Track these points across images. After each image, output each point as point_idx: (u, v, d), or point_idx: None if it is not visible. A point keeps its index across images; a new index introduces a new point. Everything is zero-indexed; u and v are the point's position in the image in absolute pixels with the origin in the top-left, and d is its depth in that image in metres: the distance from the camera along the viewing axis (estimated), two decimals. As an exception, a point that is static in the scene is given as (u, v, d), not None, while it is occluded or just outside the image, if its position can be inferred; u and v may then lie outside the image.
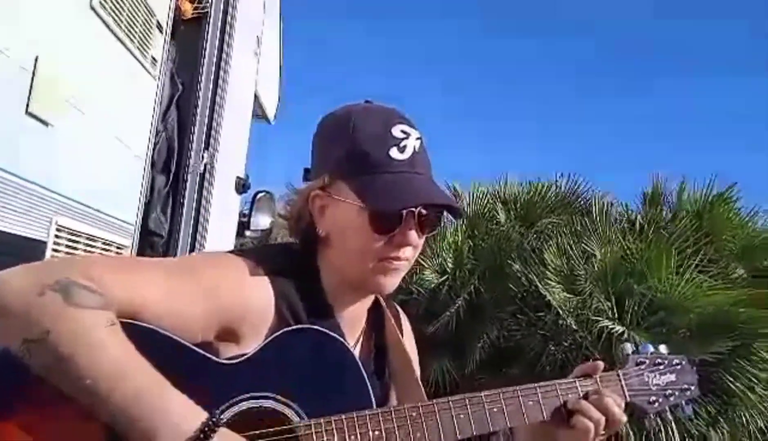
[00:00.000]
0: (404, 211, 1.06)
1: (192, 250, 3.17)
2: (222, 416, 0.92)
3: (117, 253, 2.30)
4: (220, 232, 3.47)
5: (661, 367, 1.27)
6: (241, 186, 3.83)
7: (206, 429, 0.87)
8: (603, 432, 1.17)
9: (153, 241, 3.03)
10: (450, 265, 6.15)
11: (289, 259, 1.13)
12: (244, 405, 0.98)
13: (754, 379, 5.00)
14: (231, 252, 1.14)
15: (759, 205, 6.43)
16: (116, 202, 2.29)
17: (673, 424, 4.70)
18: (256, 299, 1.06)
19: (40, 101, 1.67)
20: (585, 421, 1.16)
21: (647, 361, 1.27)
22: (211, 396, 0.93)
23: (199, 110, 3.26)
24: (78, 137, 1.96)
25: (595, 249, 5.76)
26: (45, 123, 1.75)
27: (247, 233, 4.40)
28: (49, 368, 0.86)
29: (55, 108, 1.76)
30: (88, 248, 2.08)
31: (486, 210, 6.84)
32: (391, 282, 1.12)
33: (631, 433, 4.66)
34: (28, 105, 1.65)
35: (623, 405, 1.21)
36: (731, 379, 5.03)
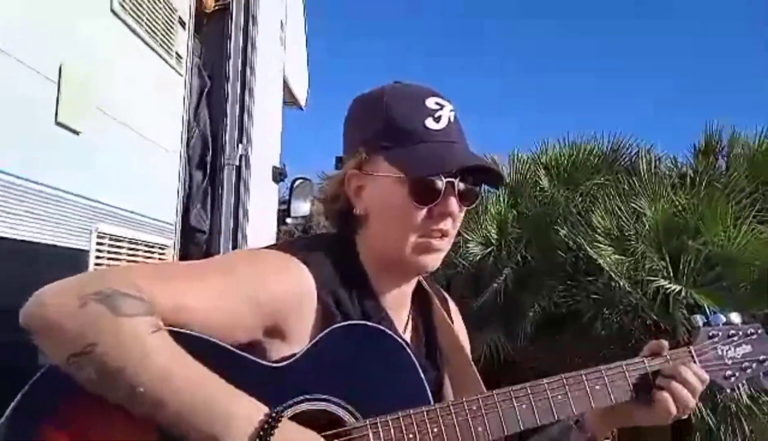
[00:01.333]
0: (444, 181, 1.04)
1: (234, 242, 3.17)
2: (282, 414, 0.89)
3: (160, 254, 2.30)
4: (261, 222, 3.46)
5: (736, 338, 1.21)
6: (278, 175, 3.81)
7: (270, 422, 0.86)
8: (687, 406, 1.12)
9: (196, 238, 3.04)
10: (494, 235, 6.05)
11: (327, 246, 1.10)
12: (298, 408, 0.95)
13: (824, 330, 4.78)
14: (268, 246, 1.11)
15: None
16: (155, 202, 2.29)
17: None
18: (296, 292, 1.03)
19: (68, 110, 1.66)
20: (664, 394, 1.10)
21: (720, 334, 1.20)
22: (263, 401, 0.90)
23: (229, 102, 3.24)
24: (110, 141, 1.96)
25: (644, 207, 5.57)
26: (75, 131, 1.74)
27: (288, 221, 4.39)
28: (99, 381, 0.85)
29: (83, 115, 1.76)
30: (131, 252, 2.08)
31: (528, 177, 6.68)
32: (433, 260, 1.09)
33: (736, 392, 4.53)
34: (56, 115, 1.64)
35: (704, 376, 1.15)
36: (799, 331, 4.83)
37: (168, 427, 0.86)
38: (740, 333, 1.21)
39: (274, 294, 1.01)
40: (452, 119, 1.09)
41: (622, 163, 6.53)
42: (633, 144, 6.60)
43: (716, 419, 4.78)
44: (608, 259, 5.27)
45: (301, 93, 4.76)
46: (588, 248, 5.39)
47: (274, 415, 0.88)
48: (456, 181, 1.05)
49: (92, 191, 1.82)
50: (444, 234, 1.08)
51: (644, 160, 6.28)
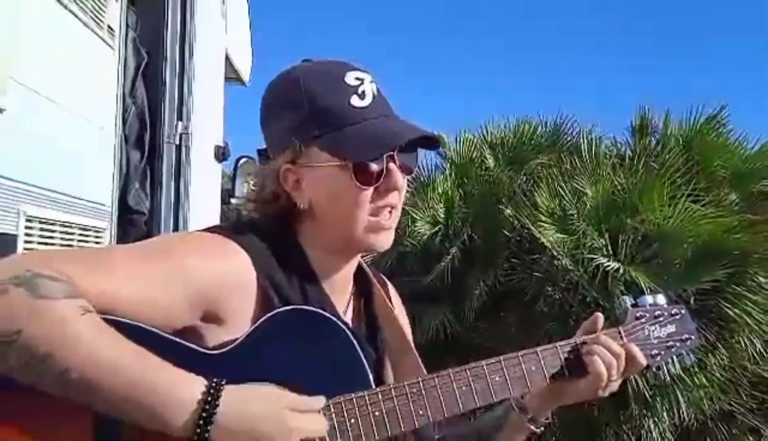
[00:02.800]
0: (385, 158, 1.03)
1: (176, 224, 3.08)
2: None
3: (96, 237, 2.21)
4: (203, 203, 3.38)
5: (661, 318, 1.26)
6: (221, 154, 3.72)
7: (212, 391, 0.85)
8: (615, 378, 1.16)
9: (134, 219, 2.94)
10: (441, 214, 6.10)
11: (265, 230, 1.08)
12: None
13: (751, 304, 5.05)
14: (203, 229, 1.08)
15: (747, 132, 6.38)
16: (89, 183, 2.20)
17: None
18: (234, 276, 1.01)
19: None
20: (598, 364, 1.14)
21: (647, 315, 1.25)
22: None
23: (168, 79, 3.13)
24: (36, 119, 1.86)
25: (585, 187, 5.71)
26: (-1, 108, 1.64)
27: (233, 201, 4.31)
28: (26, 368, 0.81)
29: (5, 91, 1.65)
30: (65, 236, 1.99)
31: (474, 156, 6.75)
32: (386, 238, 1.09)
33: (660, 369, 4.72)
34: (-25, 90, 1.54)
35: (635, 350, 1.19)
36: (729, 305, 5.08)
37: (105, 410, 0.83)
38: (665, 314, 1.27)
39: (211, 279, 0.98)
40: (375, 92, 1.07)
41: (565, 143, 6.66)
42: (575, 124, 6.74)
43: (651, 391, 4.99)
44: (551, 238, 5.39)
45: (244, 68, 4.64)
46: (531, 227, 5.50)
47: (215, 383, 0.86)
48: (395, 155, 1.05)
49: (18, 172, 1.73)
50: (393, 207, 1.08)
51: (585, 141, 6.42)
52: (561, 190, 5.72)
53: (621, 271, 5.12)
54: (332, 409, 0.96)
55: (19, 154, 1.76)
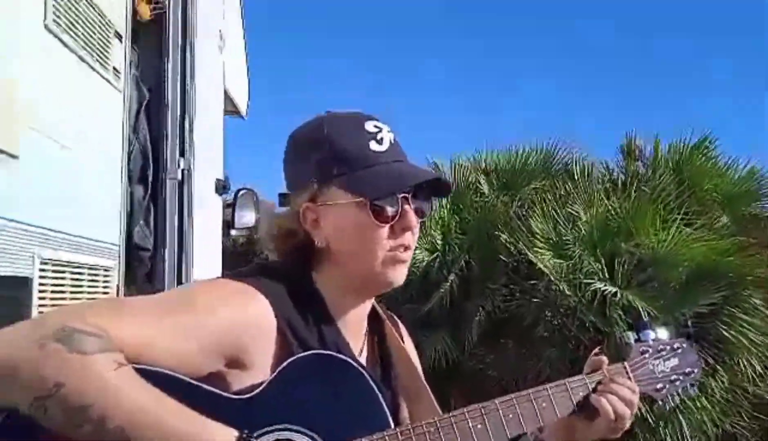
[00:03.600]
0: (401, 198, 1.09)
1: (180, 259, 3.11)
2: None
3: (105, 277, 2.24)
4: (206, 236, 3.41)
5: (664, 352, 1.30)
6: (222, 187, 3.76)
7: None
8: (626, 420, 1.19)
9: (140, 256, 2.96)
10: (439, 241, 6.16)
11: (282, 275, 1.12)
12: (265, 438, 0.96)
13: (746, 326, 5.10)
14: (223, 276, 1.12)
15: (737, 155, 6.49)
16: (97, 223, 2.23)
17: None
18: (256, 323, 1.04)
19: (2, 134, 1.60)
20: (606, 406, 1.17)
21: (650, 350, 1.29)
22: None
23: (169, 114, 3.17)
24: (48, 164, 1.90)
25: (580, 211, 5.79)
26: (11, 155, 1.68)
27: (233, 232, 4.34)
28: (66, 421, 0.84)
29: (18, 138, 1.70)
30: (76, 277, 2.02)
31: (469, 182, 6.83)
32: (401, 273, 1.13)
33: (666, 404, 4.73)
34: (-7, 138, 1.58)
35: (636, 389, 1.23)
36: (725, 327, 5.13)
37: None
38: (668, 348, 1.30)
39: (233, 327, 1.01)
40: (392, 139, 1.13)
41: (557, 168, 6.76)
42: (567, 150, 6.85)
43: (655, 417, 5.01)
44: (547, 263, 5.45)
45: (241, 101, 4.71)
46: (528, 253, 5.55)
47: (245, 436, 0.90)
48: (410, 198, 1.10)
49: (32, 216, 1.76)
50: (407, 247, 1.12)
51: (578, 166, 6.52)
52: (555, 215, 5.80)
53: (618, 295, 5.17)
54: None
55: (32, 199, 1.80)
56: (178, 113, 3.17)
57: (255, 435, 0.95)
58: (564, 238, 5.64)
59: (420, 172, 1.13)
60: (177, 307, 1.01)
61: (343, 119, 1.15)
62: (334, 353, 1.07)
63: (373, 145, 1.10)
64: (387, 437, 1.03)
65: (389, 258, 1.10)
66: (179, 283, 3.13)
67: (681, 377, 1.30)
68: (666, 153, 6.57)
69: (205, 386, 0.96)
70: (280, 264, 1.16)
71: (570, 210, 5.83)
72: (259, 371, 1.02)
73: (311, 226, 1.11)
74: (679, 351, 1.33)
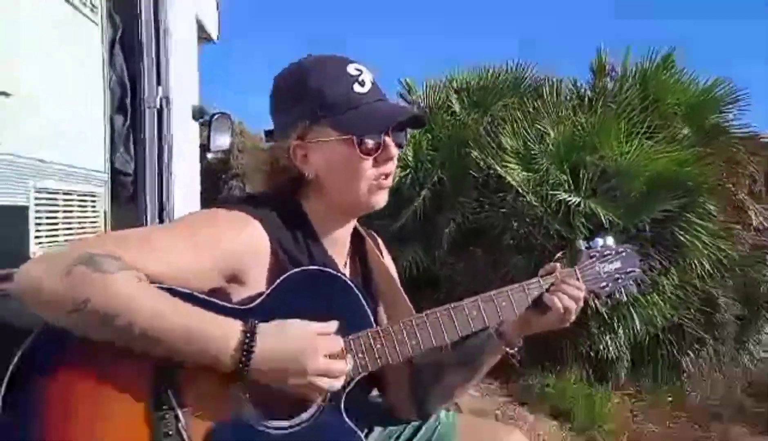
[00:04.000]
0: (382, 135, 1.25)
1: (161, 184, 3.22)
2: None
3: (92, 203, 2.36)
4: (185, 161, 3.51)
5: (609, 256, 1.49)
6: (198, 113, 3.82)
7: (248, 332, 1.07)
8: (573, 313, 1.40)
9: (122, 181, 3.07)
10: (411, 159, 6.30)
11: (273, 202, 1.28)
12: None
13: (700, 230, 5.42)
14: (221, 205, 1.28)
15: (700, 68, 6.63)
16: (84, 153, 2.32)
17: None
18: (252, 244, 1.20)
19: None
20: (557, 303, 1.37)
21: (597, 254, 1.48)
22: None
23: (144, 46, 3.19)
24: (36, 98, 1.97)
25: (548, 128, 5.95)
26: (4, 93, 1.76)
27: (209, 155, 4.42)
28: (98, 329, 1.01)
29: (5, 76, 1.77)
30: (67, 204, 2.15)
31: (440, 101, 6.91)
32: (383, 198, 1.31)
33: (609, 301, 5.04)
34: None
35: (582, 288, 1.43)
36: (681, 232, 5.45)
37: (163, 355, 1.04)
38: (613, 252, 1.51)
39: (233, 248, 1.18)
40: (372, 80, 1.28)
41: (527, 86, 6.85)
42: (537, 68, 6.92)
43: (608, 311, 5.40)
44: (516, 176, 5.65)
45: (212, 27, 4.67)
46: (498, 168, 5.74)
47: (250, 323, 1.08)
48: (390, 131, 1.26)
49: (26, 149, 1.86)
50: (388, 175, 1.29)
51: (547, 83, 6.62)
52: (524, 132, 5.95)
53: (581, 205, 5.42)
54: (345, 347, 1.19)
55: (26, 134, 1.89)
56: (153, 43, 3.19)
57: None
58: (532, 152, 5.83)
59: (399, 111, 1.30)
60: (184, 234, 1.16)
61: (327, 64, 1.28)
62: (323, 268, 1.25)
63: (357, 88, 1.25)
64: (369, 334, 1.23)
65: (373, 186, 1.28)
66: (160, 204, 3.26)
67: (623, 276, 1.51)
68: (633, 69, 6.70)
69: (211, 298, 1.14)
70: (270, 194, 1.31)
71: (539, 126, 5.98)
72: (255, 286, 1.20)
73: (301, 161, 1.27)
74: (623, 254, 1.53)
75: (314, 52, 1.28)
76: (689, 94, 6.44)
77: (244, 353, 1.05)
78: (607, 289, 1.48)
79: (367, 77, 1.27)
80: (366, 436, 1.31)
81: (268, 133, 1.33)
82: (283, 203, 1.28)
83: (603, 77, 6.84)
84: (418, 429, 1.43)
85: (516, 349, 1.46)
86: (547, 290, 1.39)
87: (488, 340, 1.44)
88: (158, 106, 3.17)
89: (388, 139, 1.26)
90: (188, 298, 1.08)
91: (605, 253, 1.50)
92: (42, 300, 1.00)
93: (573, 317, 1.42)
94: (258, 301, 1.17)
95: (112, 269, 1.01)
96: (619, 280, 1.50)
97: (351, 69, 1.26)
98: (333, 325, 1.17)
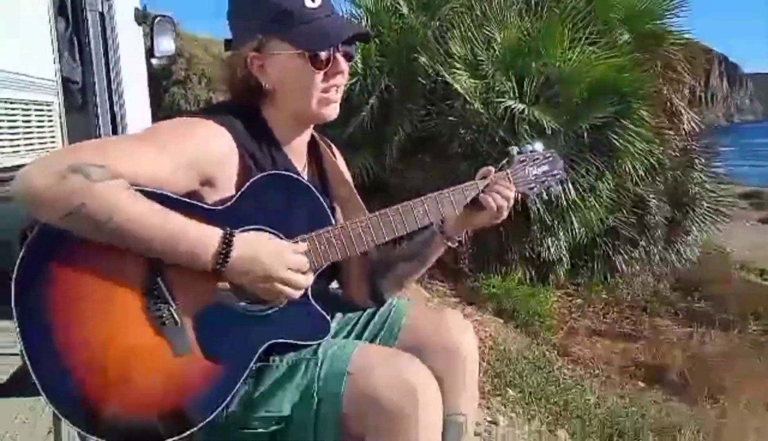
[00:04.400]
0: (332, 50, 1.33)
1: (110, 89, 3.19)
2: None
3: (48, 111, 2.37)
4: (132, 66, 3.46)
5: (538, 161, 1.64)
6: (142, 16, 3.71)
7: (228, 234, 1.21)
8: (504, 210, 1.57)
9: (71, 89, 3.03)
10: (359, 65, 6.28)
11: (236, 111, 1.38)
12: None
13: (634, 135, 5.71)
14: (191, 114, 1.37)
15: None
16: (34, 61, 2.30)
17: (569, 183, 5.43)
18: (220, 149, 1.32)
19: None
20: (491, 202, 1.54)
21: (527, 159, 1.63)
22: None
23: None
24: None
25: (495, 33, 6.01)
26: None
27: (153, 61, 4.30)
28: (93, 230, 1.13)
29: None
30: (25, 114, 2.16)
31: (389, 4, 6.80)
32: (333, 110, 1.41)
33: (537, 200, 5.33)
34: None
35: (512, 189, 1.58)
36: (616, 137, 5.73)
37: (151, 254, 1.17)
38: (541, 157, 1.66)
39: (205, 155, 1.29)
40: None
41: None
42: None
43: (550, 215, 5.73)
44: (463, 83, 5.75)
45: None
46: (445, 74, 5.81)
47: (227, 233, 1.21)
48: (340, 45, 1.35)
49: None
50: (338, 87, 1.39)
51: (495, -15, 6.58)
52: (472, 37, 5.99)
53: (526, 111, 5.60)
54: (307, 242, 1.34)
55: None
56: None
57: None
58: (479, 58, 5.91)
59: (348, 27, 1.38)
60: (159, 142, 1.26)
61: None
62: (285, 172, 1.38)
63: (308, 2, 1.32)
64: (330, 230, 1.38)
65: (324, 98, 1.38)
66: (112, 111, 3.25)
67: (549, 178, 1.67)
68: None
69: (188, 200, 1.26)
70: (233, 104, 1.41)
71: (486, 31, 6.03)
72: (226, 190, 1.32)
73: (258, 71, 1.36)
74: (550, 159, 1.69)
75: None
76: (631, 1, 6.56)
77: (221, 256, 1.19)
78: (535, 189, 1.64)
79: None
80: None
81: (228, 42, 1.41)
82: (246, 112, 1.38)
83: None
84: (374, 314, 1.61)
85: (456, 245, 1.62)
86: (483, 191, 1.55)
87: (432, 236, 1.60)
88: (101, 9, 3.09)
89: (338, 54, 1.36)
90: (169, 200, 1.20)
91: (534, 157, 1.64)
92: (40, 204, 1.10)
93: (504, 215, 1.58)
94: (229, 203, 1.29)
95: (101, 177, 1.11)
96: (545, 182, 1.66)
97: None
98: (302, 246, 1.31)
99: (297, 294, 1.29)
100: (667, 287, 7.27)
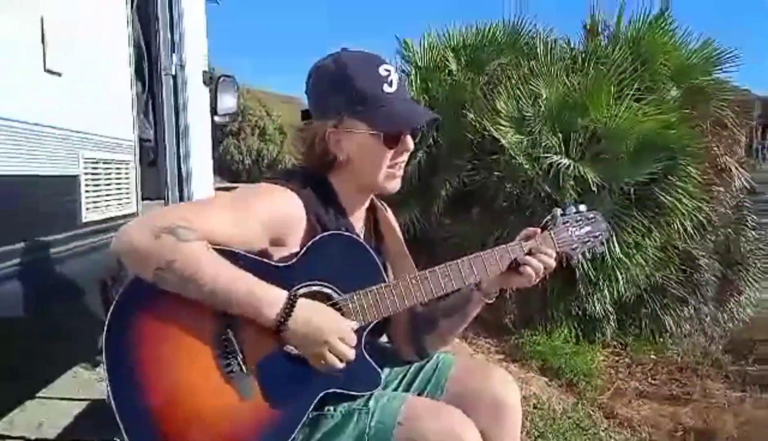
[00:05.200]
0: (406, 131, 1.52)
1: (178, 150, 3.45)
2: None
3: (126, 170, 2.59)
4: (199, 126, 3.72)
5: (581, 222, 1.73)
6: (209, 78, 4.01)
7: (291, 299, 1.35)
8: (542, 274, 1.66)
9: (143, 147, 3.29)
10: (409, 120, 6.44)
11: (307, 178, 1.54)
12: (301, 291, 1.42)
13: (681, 192, 5.67)
14: (267, 180, 1.53)
15: (690, 27, 6.77)
16: (116, 122, 2.54)
17: (615, 241, 5.42)
18: (292, 214, 1.48)
19: (53, 57, 1.91)
20: (528, 269, 1.63)
21: (570, 220, 1.73)
22: (280, 287, 1.37)
23: (159, 12, 3.37)
24: (82, 75, 2.18)
25: (541, 89, 6.12)
26: (56, 73, 1.98)
27: (216, 119, 4.59)
28: (180, 284, 1.28)
29: (63, 58, 1.99)
30: (107, 173, 2.39)
31: (437, 61, 7.04)
32: (396, 184, 1.60)
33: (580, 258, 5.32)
34: (44, 63, 1.89)
35: (554, 254, 1.68)
36: (663, 193, 5.70)
37: (225, 309, 1.32)
38: (584, 218, 1.75)
39: (277, 217, 1.45)
40: (399, 81, 1.53)
41: (523, 45, 6.98)
42: (532, 26, 7.05)
43: (595, 272, 5.70)
44: (509, 138, 5.86)
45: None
46: (492, 130, 5.94)
47: (292, 295, 1.35)
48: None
49: (73, 122, 2.09)
50: (402, 164, 1.57)
51: (542, 43, 6.76)
52: (518, 93, 6.12)
53: (571, 167, 5.65)
54: (362, 295, 1.47)
55: (73, 108, 2.13)
56: (168, 9, 3.37)
57: (296, 287, 1.41)
58: (525, 114, 6.02)
59: (420, 114, 1.54)
60: (238, 205, 1.43)
61: (363, 62, 1.52)
62: (344, 232, 1.52)
63: (386, 88, 1.50)
64: (383, 287, 1.51)
65: (390, 174, 1.55)
66: (179, 168, 3.50)
67: (592, 239, 1.76)
68: (625, 28, 6.83)
69: (260, 258, 1.41)
70: (306, 171, 1.57)
71: (532, 87, 6.15)
72: (293, 248, 1.47)
73: (334, 145, 1.52)
74: (593, 220, 1.78)
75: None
76: (679, 55, 6.59)
77: (284, 316, 1.33)
78: (578, 250, 1.73)
79: (394, 78, 1.52)
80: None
81: (305, 113, 1.58)
82: (317, 180, 1.54)
83: (596, 36, 6.98)
84: (422, 367, 1.71)
85: (493, 301, 1.71)
86: (527, 253, 1.64)
87: (470, 292, 1.70)
88: (173, 73, 3.37)
89: (408, 135, 1.52)
90: (243, 258, 1.36)
91: (577, 218, 1.74)
92: (136, 258, 1.27)
93: (537, 281, 1.67)
94: (295, 260, 1.44)
95: (190, 238, 1.28)
96: (588, 242, 1.74)
97: (382, 70, 1.51)
98: (354, 324, 1.44)
99: (341, 365, 1.40)
100: (719, 349, 7.04)
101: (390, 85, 1.50)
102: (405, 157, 1.56)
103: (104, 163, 2.33)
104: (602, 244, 1.80)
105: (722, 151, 6.60)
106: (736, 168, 6.57)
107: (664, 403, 5.55)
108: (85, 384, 3.09)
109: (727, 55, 6.74)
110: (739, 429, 4.94)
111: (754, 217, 6.75)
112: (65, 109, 2.05)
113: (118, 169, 2.47)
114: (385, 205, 1.79)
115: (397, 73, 1.54)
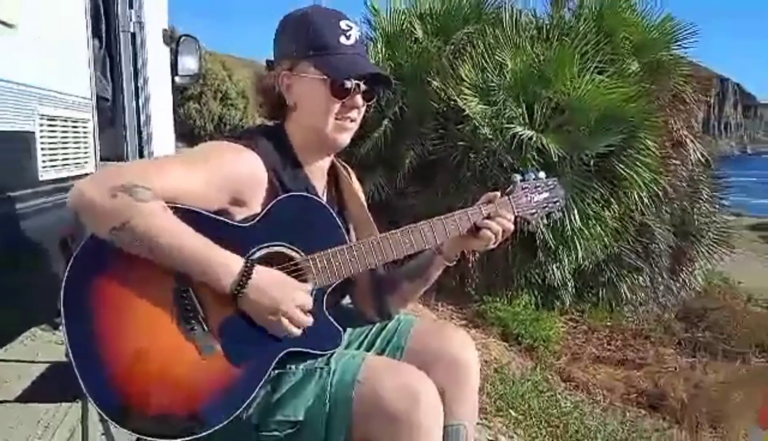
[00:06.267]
0: (353, 82, 1.48)
1: (138, 108, 3.36)
2: (253, 258, 1.37)
3: (84, 129, 2.53)
4: (159, 85, 3.63)
5: (539, 188, 1.76)
6: (169, 37, 3.90)
7: (248, 266, 1.33)
8: (501, 237, 1.69)
9: (102, 106, 3.20)
10: (374, 87, 6.41)
11: (268, 136, 1.53)
12: (262, 251, 1.42)
13: (639, 165, 5.81)
14: (226, 138, 1.51)
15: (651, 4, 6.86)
16: (74, 79, 2.46)
17: (575, 211, 5.54)
18: (252, 173, 1.46)
19: (7, 8, 1.83)
20: (488, 232, 1.66)
21: (529, 186, 1.75)
22: (238, 248, 1.37)
23: (116, -32, 3.25)
24: (35, 29, 2.10)
25: (506, 59, 6.15)
26: (9, 25, 1.90)
27: (177, 79, 4.47)
28: (135, 244, 1.27)
29: (15, 8, 1.92)
30: (66, 130, 2.32)
31: (404, 26, 6.99)
32: (345, 138, 1.54)
33: (541, 223, 5.44)
34: (-5, 15, 1.81)
35: (512, 218, 1.70)
36: (621, 166, 5.83)
37: (180, 269, 1.31)
38: (543, 184, 1.77)
39: (237, 177, 1.43)
40: (358, 38, 1.51)
41: (489, 14, 6.97)
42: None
43: (555, 241, 5.83)
44: (474, 108, 5.88)
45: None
46: (457, 98, 5.96)
47: (249, 263, 1.35)
48: (361, 84, 1.50)
49: (30, 77, 2.02)
50: (352, 120, 1.54)
51: (507, 13, 6.76)
52: (484, 62, 6.14)
53: (534, 138, 5.72)
54: (323, 257, 1.47)
55: (29, 63, 2.05)
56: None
57: (254, 250, 1.40)
58: (490, 84, 6.06)
59: (370, 67, 1.52)
60: (195, 163, 1.41)
61: (325, 14, 1.51)
62: (307, 194, 1.52)
63: (342, 39, 1.48)
64: (345, 248, 1.52)
65: (338, 125, 1.52)
66: (139, 128, 3.42)
67: (549, 205, 1.79)
68: (589, 1, 6.87)
69: (219, 217, 1.40)
70: (263, 129, 1.56)
71: (498, 57, 6.18)
72: (253, 208, 1.46)
73: (285, 88, 1.51)
74: (551, 187, 1.79)
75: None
76: (640, 29, 6.68)
77: (239, 285, 1.33)
78: (535, 215, 1.76)
79: (354, 33, 1.50)
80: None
81: (269, 63, 1.57)
82: (274, 136, 1.53)
83: (561, 8, 7.02)
84: (383, 328, 1.73)
85: (454, 264, 1.73)
86: (486, 217, 1.67)
87: (432, 256, 1.72)
88: (132, 30, 3.27)
89: (358, 90, 1.51)
90: (201, 217, 1.34)
91: (536, 185, 1.76)
92: (92, 216, 1.25)
93: (497, 244, 1.70)
94: (256, 220, 1.43)
95: (147, 198, 1.26)
96: (546, 208, 1.77)
97: (343, 24, 1.49)
98: (309, 285, 1.44)
99: (297, 331, 1.41)
100: (672, 317, 7.32)
101: (347, 38, 1.48)
102: (354, 114, 1.54)
103: (61, 120, 2.26)
104: (560, 210, 1.84)
105: (680, 125, 6.78)
106: (692, 142, 6.76)
107: (619, 368, 5.77)
108: (45, 347, 3.04)
109: (687, 32, 6.88)
110: (688, 392, 5.18)
111: (708, 191, 6.96)
112: (20, 63, 1.97)
113: (75, 127, 2.40)
114: (349, 169, 1.79)
115: (359, 32, 1.53)
